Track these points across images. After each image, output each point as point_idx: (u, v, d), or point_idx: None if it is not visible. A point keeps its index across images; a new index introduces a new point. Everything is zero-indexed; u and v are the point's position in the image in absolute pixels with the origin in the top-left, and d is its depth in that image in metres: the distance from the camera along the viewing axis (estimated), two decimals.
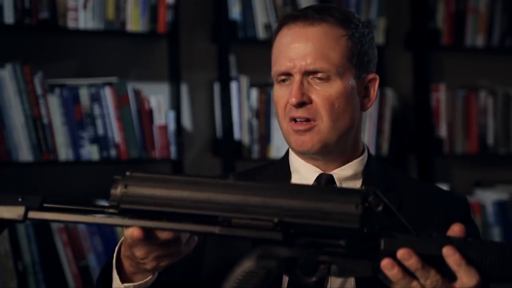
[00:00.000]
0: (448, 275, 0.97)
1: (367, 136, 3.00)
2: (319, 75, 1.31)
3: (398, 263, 0.97)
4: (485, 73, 3.42)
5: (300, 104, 1.30)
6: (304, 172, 1.38)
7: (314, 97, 1.31)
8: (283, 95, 1.34)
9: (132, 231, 1.00)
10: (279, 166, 1.44)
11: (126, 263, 1.13)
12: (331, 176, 1.36)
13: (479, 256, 0.96)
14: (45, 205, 1.02)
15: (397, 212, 0.97)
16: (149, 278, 1.14)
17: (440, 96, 3.19)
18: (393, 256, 0.96)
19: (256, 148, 2.84)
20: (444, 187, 2.65)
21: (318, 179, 1.36)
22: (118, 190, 1.00)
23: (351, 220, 0.94)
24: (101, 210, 1.03)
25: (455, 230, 1.01)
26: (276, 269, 0.98)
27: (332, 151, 1.34)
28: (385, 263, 0.97)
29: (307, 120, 1.31)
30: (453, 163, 3.35)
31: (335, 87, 1.31)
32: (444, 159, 3.27)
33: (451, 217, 1.33)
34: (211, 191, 0.97)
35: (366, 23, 1.43)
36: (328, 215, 0.95)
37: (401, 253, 0.96)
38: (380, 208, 0.95)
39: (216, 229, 0.97)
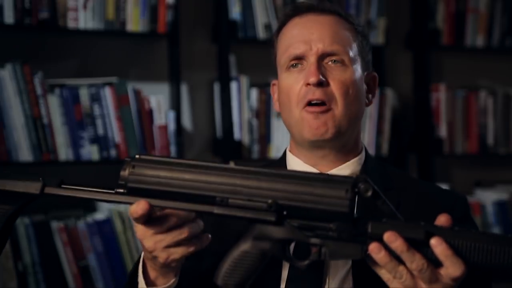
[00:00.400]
0: (434, 261, 0.99)
1: (367, 136, 3.00)
2: (335, 57, 1.32)
3: (385, 248, 0.99)
4: (485, 73, 3.42)
5: (319, 84, 1.30)
6: None
7: (330, 80, 1.32)
8: (297, 80, 1.33)
9: (136, 206, 1.04)
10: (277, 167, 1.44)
11: (148, 267, 1.16)
12: None
13: (465, 244, 0.98)
14: (63, 186, 1.12)
15: (385, 199, 1.01)
16: (171, 282, 1.15)
17: (440, 96, 3.19)
18: (380, 240, 0.99)
19: (256, 148, 2.84)
20: (444, 187, 2.65)
21: None
22: (126, 171, 1.08)
23: (341, 204, 1.00)
24: (111, 191, 1.11)
25: (442, 220, 1.03)
26: (270, 251, 1.04)
27: (340, 141, 1.34)
28: (373, 247, 0.99)
29: (322, 103, 1.31)
30: (453, 163, 3.35)
31: (349, 73, 1.33)
32: (444, 159, 3.28)
33: (451, 215, 1.34)
34: (211, 173, 1.04)
35: (363, 25, 1.45)
36: (319, 198, 1.01)
37: (387, 235, 0.99)
38: (369, 193, 1.00)
39: (214, 208, 1.04)
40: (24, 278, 2.42)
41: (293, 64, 1.34)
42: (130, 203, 1.07)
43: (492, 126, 3.28)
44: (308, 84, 1.31)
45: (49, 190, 1.10)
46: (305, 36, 1.33)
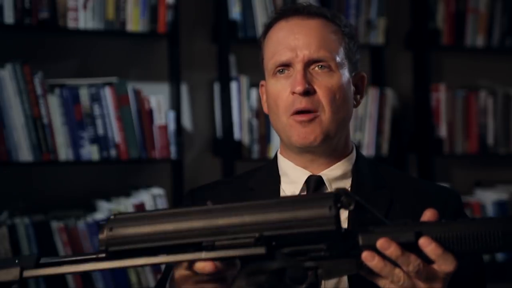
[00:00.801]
0: (427, 259, 0.99)
1: (367, 136, 3.00)
2: (322, 63, 1.32)
3: (378, 254, 0.99)
4: (485, 73, 3.42)
5: (306, 93, 1.30)
6: (292, 175, 1.38)
7: (316, 87, 1.32)
8: (283, 87, 1.33)
9: (204, 265, 1.01)
10: (268, 170, 1.44)
11: None
12: (320, 177, 1.36)
13: (454, 234, 0.98)
14: (41, 261, 1.06)
15: (369, 207, 1.00)
16: None
17: (440, 96, 3.19)
18: (373, 249, 0.99)
19: (256, 148, 2.84)
20: (445, 185, 2.65)
21: (308, 182, 1.36)
22: (104, 234, 1.03)
23: (327, 223, 0.98)
24: (93, 257, 1.05)
25: (428, 215, 1.03)
26: (267, 283, 1.01)
27: (329, 145, 1.35)
28: (365, 255, 0.99)
29: (309, 111, 1.31)
30: (453, 163, 3.35)
31: (335, 78, 1.33)
32: (444, 159, 3.27)
33: (443, 211, 1.34)
34: (192, 219, 1.02)
35: (350, 24, 1.44)
36: (304, 221, 0.99)
37: (380, 243, 0.98)
38: (352, 206, 0.98)
39: (202, 254, 1.01)
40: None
41: (279, 70, 1.34)
42: (113, 268, 1.04)
43: (492, 126, 3.28)
44: (294, 92, 1.31)
45: (28, 273, 1.05)
46: (291, 42, 1.33)
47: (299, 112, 1.31)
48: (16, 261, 1.06)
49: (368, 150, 2.99)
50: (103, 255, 1.03)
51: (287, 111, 1.33)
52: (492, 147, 3.28)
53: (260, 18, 2.84)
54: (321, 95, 1.31)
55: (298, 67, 1.32)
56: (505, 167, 3.42)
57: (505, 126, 3.31)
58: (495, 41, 3.28)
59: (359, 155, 1.42)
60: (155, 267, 2.55)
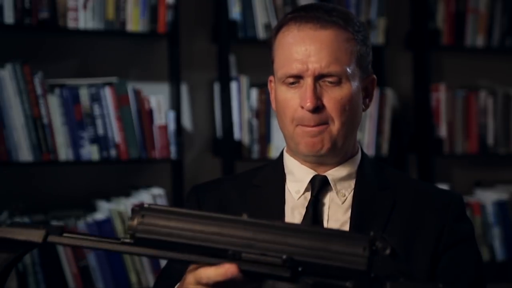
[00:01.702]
0: None
1: (367, 136, 3.00)
2: (332, 79, 1.31)
3: None
4: (485, 73, 3.42)
5: (315, 109, 1.30)
6: (298, 174, 1.38)
7: (325, 101, 1.31)
8: (292, 98, 1.33)
9: (229, 267, 0.99)
10: (274, 168, 1.44)
11: None
12: (325, 177, 1.36)
13: None
14: (65, 234, 1.07)
15: (403, 259, 1.01)
16: None
17: (440, 96, 3.19)
18: None
19: (256, 148, 2.84)
20: (444, 187, 2.66)
21: (312, 181, 1.36)
22: (135, 221, 1.02)
23: (358, 262, 0.96)
24: (117, 241, 1.05)
25: None
26: None
27: (337, 152, 1.35)
28: None
29: (318, 124, 1.31)
30: (453, 163, 3.35)
31: (345, 91, 1.32)
32: (444, 159, 3.27)
33: (445, 215, 1.35)
34: (223, 225, 1.00)
35: (363, 22, 1.42)
36: (336, 255, 0.97)
37: None
38: (387, 252, 0.96)
39: (225, 262, 0.99)
40: (24, 278, 2.42)
41: (291, 82, 1.33)
42: (137, 254, 1.04)
43: (492, 126, 3.28)
44: (303, 107, 1.31)
45: (52, 238, 1.06)
46: (303, 54, 1.31)
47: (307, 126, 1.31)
48: (41, 226, 1.07)
49: (368, 150, 2.99)
50: (129, 240, 1.03)
51: (294, 121, 1.33)
52: (492, 147, 3.28)
53: (260, 18, 2.83)
54: (331, 108, 1.31)
55: (309, 81, 1.30)
56: (505, 167, 3.42)
57: (505, 126, 3.31)
58: (495, 41, 3.28)
59: (364, 156, 1.42)
60: (155, 267, 2.56)
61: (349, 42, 1.33)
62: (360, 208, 1.34)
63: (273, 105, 1.42)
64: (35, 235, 1.06)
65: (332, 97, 1.31)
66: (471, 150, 3.25)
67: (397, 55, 3.24)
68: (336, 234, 0.99)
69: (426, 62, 3.18)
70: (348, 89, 1.32)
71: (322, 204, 1.35)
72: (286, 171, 1.41)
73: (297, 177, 1.38)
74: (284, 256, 0.97)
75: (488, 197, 3.23)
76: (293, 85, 1.33)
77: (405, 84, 3.25)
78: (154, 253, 1.03)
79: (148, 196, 2.62)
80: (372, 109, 3.01)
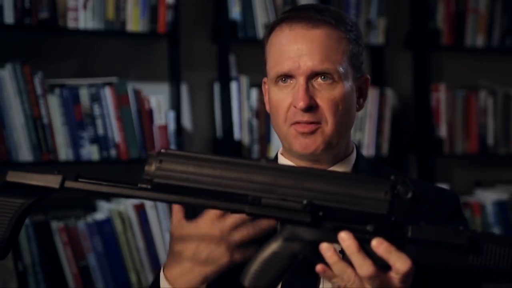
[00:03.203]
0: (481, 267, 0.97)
1: (367, 136, 3.00)
2: (324, 77, 1.30)
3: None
4: (485, 73, 3.42)
5: (308, 108, 1.29)
6: None
7: (319, 100, 1.30)
8: (285, 98, 1.32)
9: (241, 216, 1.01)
10: None
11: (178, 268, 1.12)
12: None
13: (506, 251, 0.96)
14: (80, 179, 1.05)
15: (423, 203, 0.98)
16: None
17: (440, 96, 3.19)
18: (420, 244, 0.96)
19: (256, 148, 2.84)
20: (444, 187, 2.65)
21: None
22: (152, 166, 1.02)
23: (379, 206, 0.96)
24: (134, 186, 1.05)
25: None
26: (301, 253, 0.99)
27: (331, 152, 1.34)
28: (323, 246, 0.98)
29: (312, 123, 1.30)
30: (453, 163, 3.35)
31: (338, 90, 1.31)
32: (444, 159, 3.27)
33: (440, 212, 1.35)
34: (242, 171, 1.00)
35: (356, 22, 1.42)
36: (357, 199, 0.97)
37: (341, 234, 0.97)
38: (409, 195, 0.96)
39: (245, 207, 0.99)
40: (24, 278, 2.42)
41: (282, 79, 1.32)
42: (155, 200, 1.03)
43: (492, 126, 3.28)
44: (296, 106, 1.30)
45: (69, 184, 1.05)
46: (295, 53, 1.30)
47: (299, 122, 1.30)
48: (56, 171, 1.05)
49: (368, 150, 2.99)
50: (146, 186, 1.02)
51: (287, 121, 1.32)
52: (492, 147, 3.28)
53: (260, 18, 2.83)
54: (324, 108, 1.30)
55: (301, 80, 1.30)
56: (505, 167, 3.42)
57: (505, 126, 3.31)
58: (495, 41, 3.28)
59: (359, 155, 1.41)
60: (155, 267, 2.56)
61: (341, 41, 1.32)
62: None
63: (267, 106, 1.42)
64: (52, 181, 1.04)
65: (325, 97, 1.30)
66: (471, 150, 3.25)
67: (397, 55, 3.24)
68: (357, 178, 0.99)
69: (426, 62, 3.18)
70: (341, 88, 1.31)
71: None
72: None
73: None
74: (305, 201, 0.97)
75: (488, 197, 3.24)
76: (285, 84, 1.32)
77: (405, 84, 3.25)
78: (172, 198, 1.02)
79: None
80: (372, 109, 3.01)
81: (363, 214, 0.97)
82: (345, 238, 0.97)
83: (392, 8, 3.18)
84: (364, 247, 0.97)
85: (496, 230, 3.19)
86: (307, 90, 1.29)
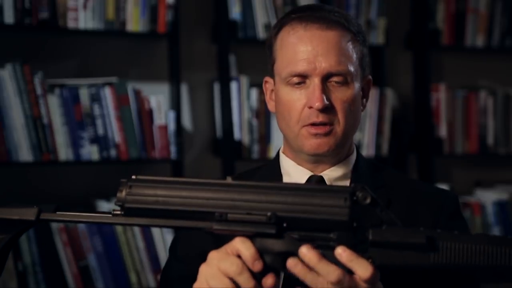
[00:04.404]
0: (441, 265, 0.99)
1: (367, 136, 3.00)
2: (339, 78, 1.31)
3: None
4: (485, 73, 3.42)
5: (324, 109, 1.29)
6: (295, 174, 1.38)
7: (333, 101, 1.31)
8: (299, 99, 1.32)
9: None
10: (270, 168, 1.44)
11: None
12: (321, 177, 1.36)
13: (465, 246, 0.99)
14: (58, 212, 1.11)
15: (384, 206, 1.01)
16: None
17: (440, 96, 3.19)
18: (381, 246, 0.99)
19: (256, 148, 2.84)
20: (444, 187, 2.65)
21: (309, 180, 1.36)
22: (123, 192, 1.06)
23: (340, 213, 1.00)
24: (108, 213, 1.08)
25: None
26: (271, 264, 1.02)
27: (338, 152, 1.35)
28: (289, 263, 1.00)
29: (325, 124, 1.31)
30: (453, 163, 3.35)
31: (350, 91, 1.32)
32: (444, 159, 3.27)
33: (440, 213, 1.35)
34: (208, 190, 1.04)
35: (360, 24, 1.42)
36: (318, 208, 1.00)
37: (301, 249, 0.99)
38: (367, 201, 1.00)
39: (213, 225, 1.02)
40: (24, 278, 2.42)
41: (296, 82, 1.32)
42: (128, 225, 1.07)
43: (492, 126, 3.28)
44: (311, 107, 1.30)
45: (45, 216, 1.10)
46: (310, 53, 1.30)
47: (313, 124, 1.31)
48: (35, 206, 1.10)
49: (368, 150, 2.99)
50: (119, 212, 1.06)
51: (300, 122, 1.32)
52: (492, 147, 3.28)
53: (260, 18, 2.83)
54: (338, 109, 1.31)
55: (316, 80, 1.30)
56: (505, 167, 3.42)
57: (505, 126, 3.31)
58: (495, 41, 3.28)
59: (359, 155, 1.42)
60: (155, 267, 2.56)
61: (353, 43, 1.34)
62: None
63: (269, 106, 1.42)
64: (28, 214, 1.10)
65: (339, 98, 1.31)
66: (471, 150, 3.25)
67: (397, 55, 3.24)
68: (318, 189, 1.03)
69: (426, 62, 3.18)
70: (352, 89, 1.32)
71: None
72: (282, 171, 1.41)
73: (294, 178, 1.38)
74: (269, 213, 1.01)
75: (488, 197, 3.24)
76: (298, 86, 1.32)
77: (405, 84, 3.25)
78: (144, 222, 1.06)
79: None
80: (372, 109, 3.01)
81: (325, 222, 1.00)
82: (305, 253, 0.99)
83: (392, 8, 3.18)
84: (330, 255, 1.00)
85: (496, 230, 3.19)
86: (323, 90, 1.30)
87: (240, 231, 1.02)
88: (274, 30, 1.38)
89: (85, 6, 2.55)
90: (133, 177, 1.07)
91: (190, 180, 1.05)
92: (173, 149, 2.67)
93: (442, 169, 3.28)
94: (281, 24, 1.37)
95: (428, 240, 0.99)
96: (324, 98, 1.29)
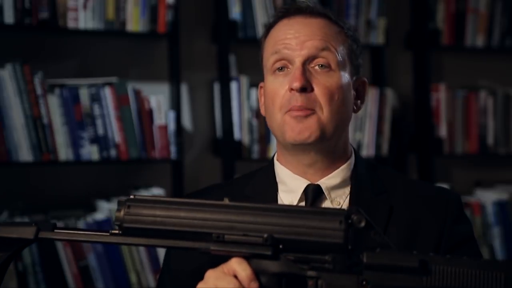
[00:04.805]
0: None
1: (367, 136, 3.00)
2: (321, 61, 1.29)
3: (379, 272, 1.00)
4: (485, 73, 3.42)
5: (303, 89, 1.27)
6: (290, 184, 1.35)
7: (314, 85, 1.29)
8: (282, 85, 1.30)
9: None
10: (265, 177, 1.40)
11: None
12: (319, 186, 1.33)
13: (457, 270, 1.00)
14: (56, 230, 1.11)
15: (379, 229, 1.02)
16: None
17: (440, 96, 3.19)
18: (376, 269, 1.01)
19: (256, 148, 2.84)
20: (444, 187, 2.65)
21: (306, 191, 1.33)
22: (121, 212, 1.07)
23: (335, 236, 1.01)
24: (106, 233, 1.09)
25: None
26: (267, 284, 1.04)
27: (326, 146, 1.31)
28: None
29: (306, 108, 1.28)
30: (453, 163, 3.35)
31: (335, 78, 1.30)
32: (444, 159, 3.27)
33: (444, 217, 1.33)
34: (206, 210, 1.05)
35: (353, 26, 1.42)
36: (314, 230, 1.02)
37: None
38: (362, 224, 1.01)
39: (210, 245, 1.04)
40: (24, 278, 2.42)
41: (279, 68, 1.31)
42: (126, 244, 1.08)
43: (492, 126, 3.28)
44: (292, 89, 1.28)
45: (43, 234, 1.10)
46: (292, 38, 1.30)
47: (294, 109, 1.29)
48: (33, 224, 1.10)
49: (368, 150, 2.99)
50: (117, 231, 1.07)
51: (282, 108, 1.30)
52: (492, 147, 3.28)
53: (260, 18, 2.83)
54: (319, 93, 1.28)
55: (297, 63, 1.29)
56: (505, 167, 3.42)
57: (505, 126, 3.31)
58: (495, 41, 3.28)
59: (358, 159, 1.39)
60: (155, 267, 2.56)
61: (340, 33, 1.33)
62: None
63: (262, 110, 1.40)
64: (27, 232, 1.10)
65: (321, 82, 1.29)
66: (471, 150, 3.25)
67: (397, 55, 3.24)
68: (313, 211, 1.05)
69: (426, 62, 3.18)
70: (337, 77, 1.30)
71: None
72: (277, 179, 1.37)
73: (290, 187, 1.35)
74: (265, 235, 1.03)
75: (488, 197, 3.24)
76: (281, 72, 1.31)
77: (405, 84, 3.25)
78: (142, 241, 1.08)
79: None
80: (372, 109, 3.01)
81: (321, 244, 1.02)
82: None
83: (392, 8, 3.18)
84: (323, 276, 1.02)
85: (496, 230, 3.19)
86: (304, 72, 1.28)
87: (237, 252, 1.04)
88: (264, 32, 1.39)
89: (85, 6, 2.55)
90: (132, 196, 1.08)
91: (188, 201, 1.07)
92: (173, 149, 2.67)
93: (442, 169, 3.28)
94: (269, 25, 1.38)
95: (421, 264, 1.00)
96: (304, 78, 1.27)
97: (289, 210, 1.05)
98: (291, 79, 1.29)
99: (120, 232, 1.07)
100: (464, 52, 3.34)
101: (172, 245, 1.06)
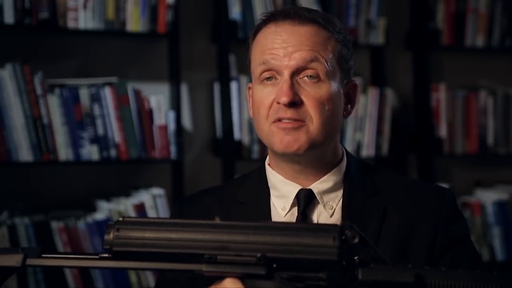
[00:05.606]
0: None
1: (367, 136, 3.00)
2: (310, 72, 1.26)
3: None
4: (485, 73, 3.42)
5: (291, 104, 1.25)
6: (282, 189, 1.34)
7: (304, 97, 1.26)
8: (268, 95, 1.28)
9: None
10: (257, 182, 1.39)
11: None
12: (310, 190, 1.32)
13: (453, 283, 1.00)
14: (44, 255, 1.08)
15: (373, 244, 1.01)
16: None
17: (440, 96, 3.19)
18: (371, 285, 1.00)
19: (256, 148, 2.84)
20: (438, 184, 2.65)
21: (298, 196, 1.32)
22: (111, 235, 1.04)
23: (329, 253, 1.00)
24: (96, 256, 1.06)
25: None
26: None
27: (315, 155, 1.30)
28: None
29: (295, 120, 1.26)
30: (453, 163, 3.35)
31: (324, 88, 1.27)
32: (444, 159, 3.27)
33: (438, 217, 1.32)
34: (197, 231, 1.03)
35: (344, 26, 1.39)
36: (307, 248, 1.01)
37: None
38: (356, 240, 1.00)
39: (202, 267, 1.02)
40: (24, 278, 2.42)
41: (267, 77, 1.29)
42: (115, 268, 1.05)
43: (492, 126, 3.28)
44: (279, 102, 1.26)
45: (31, 261, 1.08)
46: (279, 48, 1.27)
47: (282, 120, 1.26)
48: (20, 250, 1.08)
49: (368, 150, 2.99)
50: (107, 255, 1.04)
51: (269, 118, 1.28)
52: (492, 147, 3.28)
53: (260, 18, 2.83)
54: (309, 106, 1.26)
55: (286, 75, 1.26)
56: (505, 167, 3.42)
57: (505, 126, 3.31)
58: (495, 41, 3.28)
59: (349, 161, 1.37)
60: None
61: (329, 40, 1.29)
62: (349, 219, 1.27)
63: (251, 112, 1.38)
64: (13, 260, 1.08)
65: (310, 94, 1.26)
66: (471, 150, 3.25)
67: (397, 55, 3.24)
68: (306, 228, 1.03)
69: (426, 62, 3.18)
70: (327, 87, 1.27)
71: (310, 220, 1.31)
72: (269, 185, 1.36)
73: (282, 193, 1.33)
74: (258, 255, 1.01)
75: (488, 197, 3.24)
76: (269, 81, 1.28)
77: (405, 84, 3.25)
78: (133, 265, 1.05)
79: (148, 196, 2.62)
80: (372, 109, 3.01)
81: (315, 262, 1.00)
82: None
83: (392, 8, 3.18)
84: None
85: (496, 230, 3.19)
86: (292, 85, 1.26)
87: (230, 273, 1.02)
88: (252, 35, 1.36)
89: (85, 6, 2.55)
90: (120, 219, 1.05)
91: (178, 221, 1.05)
92: (173, 149, 2.67)
93: (442, 169, 3.28)
94: (256, 28, 1.35)
95: (416, 279, 0.99)
96: (292, 93, 1.25)
97: (281, 227, 1.03)
98: (279, 93, 1.26)
99: (110, 255, 1.04)
100: (464, 52, 3.34)
101: (164, 267, 1.04)
